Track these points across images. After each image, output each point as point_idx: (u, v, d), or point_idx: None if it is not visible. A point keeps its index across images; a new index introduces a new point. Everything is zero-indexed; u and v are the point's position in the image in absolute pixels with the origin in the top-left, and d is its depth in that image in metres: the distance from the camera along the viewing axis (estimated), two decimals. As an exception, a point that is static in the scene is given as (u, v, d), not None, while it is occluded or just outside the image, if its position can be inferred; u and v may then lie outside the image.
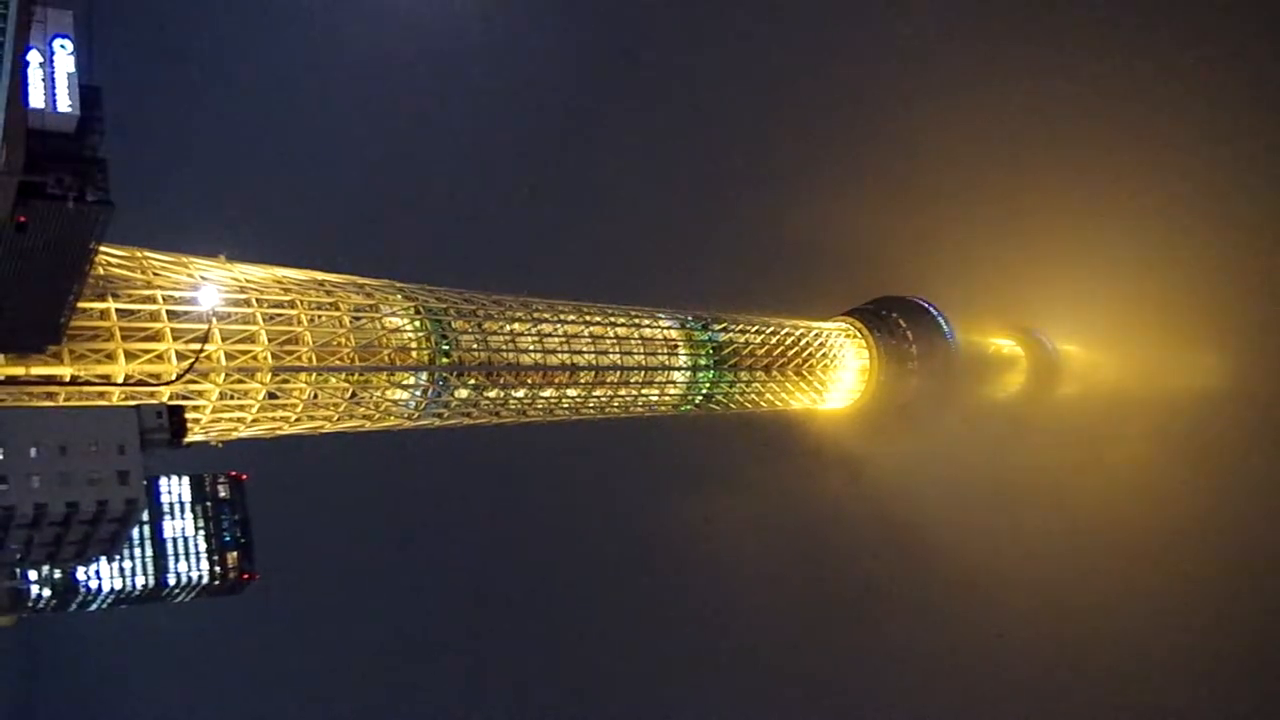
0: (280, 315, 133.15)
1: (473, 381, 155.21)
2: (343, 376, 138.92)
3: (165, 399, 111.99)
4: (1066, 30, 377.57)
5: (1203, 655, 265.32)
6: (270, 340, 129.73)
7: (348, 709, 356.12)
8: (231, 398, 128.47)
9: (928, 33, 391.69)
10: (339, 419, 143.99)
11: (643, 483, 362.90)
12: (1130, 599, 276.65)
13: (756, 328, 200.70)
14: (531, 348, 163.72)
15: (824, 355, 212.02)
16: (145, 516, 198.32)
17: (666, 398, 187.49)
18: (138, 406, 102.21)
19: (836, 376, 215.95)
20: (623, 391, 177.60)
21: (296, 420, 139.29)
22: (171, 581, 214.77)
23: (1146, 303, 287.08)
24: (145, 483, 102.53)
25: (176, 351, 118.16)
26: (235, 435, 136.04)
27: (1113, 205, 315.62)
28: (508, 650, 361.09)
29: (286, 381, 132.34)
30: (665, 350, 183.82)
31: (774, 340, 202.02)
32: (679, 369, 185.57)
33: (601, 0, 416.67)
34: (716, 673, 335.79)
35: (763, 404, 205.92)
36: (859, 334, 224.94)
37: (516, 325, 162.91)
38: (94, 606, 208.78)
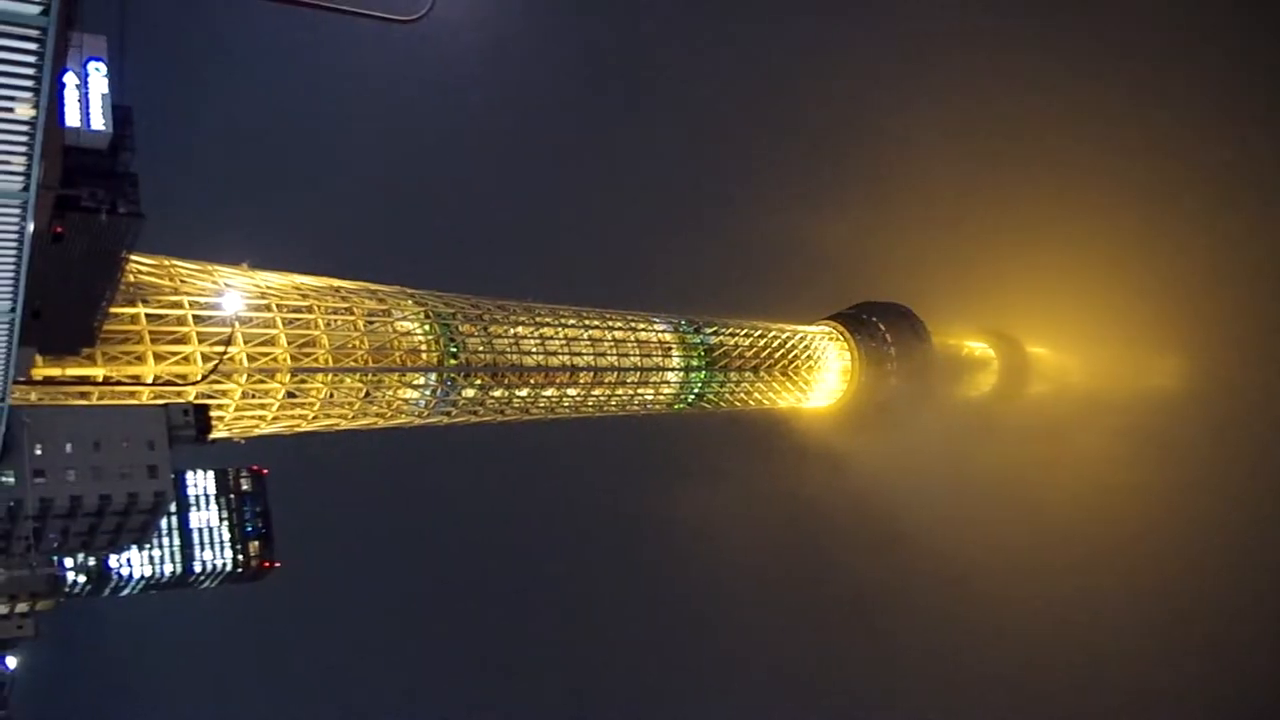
0: (299, 320, 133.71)
1: (479, 382, 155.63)
2: (357, 377, 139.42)
3: (191, 398, 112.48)
4: (1038, 46, 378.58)
5: (1169, 644, 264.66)
6: (289, 343, 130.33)
7: (358, 687, 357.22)
8: (253, 397, 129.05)
9: (906, 48, 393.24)
10: (354, 417, 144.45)
11: (637, 475, 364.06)
12: (1096, 591, 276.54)
13: (745, 331, 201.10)
14: (534, 350, 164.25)
15: (808, 357, 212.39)
16: (173, 508, 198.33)
17: (661, 397, 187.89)
18: (166, 405, 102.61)
19: (820, 377, 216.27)
20: (620, 391, 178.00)
21: (314, 418, 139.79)
22: (197, 569, 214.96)
23: (1112, 307, 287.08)
24: (173, 476, 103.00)
25: (202, 353, 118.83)
26: (257, 432, 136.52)
27: (1080, 214, 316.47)
28: (508, 634, 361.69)
29: (304, 382, 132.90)
30: (660, 352, 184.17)
31: (762, 343, 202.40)
32: (672, 370, 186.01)
33: (595, 14, 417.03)
34: (696, 654, 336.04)
35: (751, 403, 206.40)
36: (841, 337, 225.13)
37: (520, 329, 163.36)
38: (126, 592, 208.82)
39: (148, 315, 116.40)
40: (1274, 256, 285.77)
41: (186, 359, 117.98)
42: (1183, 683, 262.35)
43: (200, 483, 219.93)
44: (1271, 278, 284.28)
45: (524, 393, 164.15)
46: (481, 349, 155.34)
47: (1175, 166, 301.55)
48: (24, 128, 19.51)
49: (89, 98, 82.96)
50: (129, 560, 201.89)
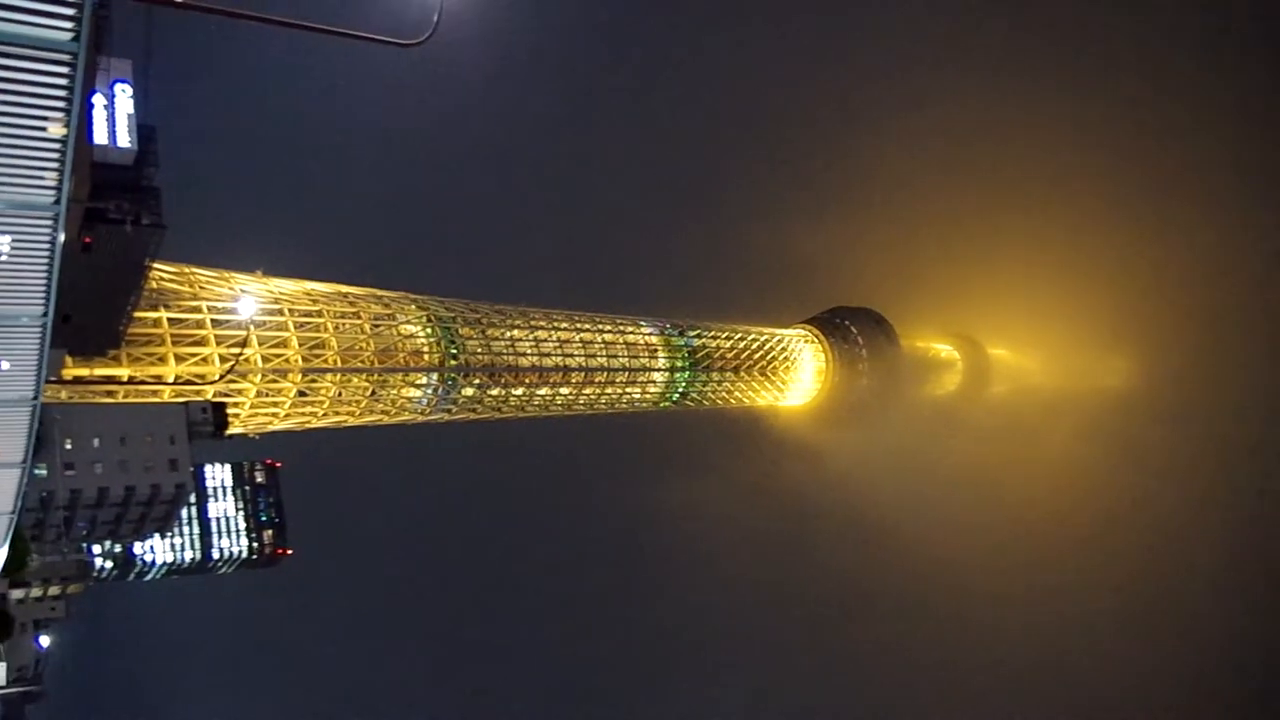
0: (309, 323, 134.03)
1: (477, 381, 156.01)
2: (364, 376, 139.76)
3: (210, 396, 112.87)
4: (999, 55, 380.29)
5: (1131, 636, 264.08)
6: (300, 345, 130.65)
7: (364, 665, 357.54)
8: (267, 395, 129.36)
9: (873, 69, 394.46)
10: (360, 414, 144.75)
11: (626, 469, 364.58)
12: (1060, 584, 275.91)
13: (726, 334, 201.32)
14: (529, 351, 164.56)
15: (785, 358, 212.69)
16: (193, 498, 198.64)
17: (647, 395, 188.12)
18: (186, 403, 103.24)
19: (796, 377, 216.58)
20: (609, 390, 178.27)
21: (324, 415, 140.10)
22: (216, 556, 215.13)
23: (1068, 311, 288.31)
24: (192, 469, 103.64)
25: (219, 355, 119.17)
26: (270, 428, 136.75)
27: (1037, 223, 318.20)
28: (508, 616, 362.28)
29: (315, 381, 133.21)
30: (646, 354, 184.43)
31: (742, 345, 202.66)
32: (658, 370, 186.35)
33: (579, 30, 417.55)
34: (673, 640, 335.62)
35: (732, 401, 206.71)
36: (816, 339, 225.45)
37: (516, 332, 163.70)
38: (149, 577, 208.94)
39: (169, 319, 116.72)
40: (1216, 255, 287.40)
41: (205, 360, 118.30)
42: (1149, 673, 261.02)
43: (218, 475, 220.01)
44: (1214, 275, 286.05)
45: (519, 391, 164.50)
46: (480, 350, 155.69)
47: (1123, 174, 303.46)
48: (56, 145, 20.08)
49: (115, 117, 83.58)
50: (152, 547, 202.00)
